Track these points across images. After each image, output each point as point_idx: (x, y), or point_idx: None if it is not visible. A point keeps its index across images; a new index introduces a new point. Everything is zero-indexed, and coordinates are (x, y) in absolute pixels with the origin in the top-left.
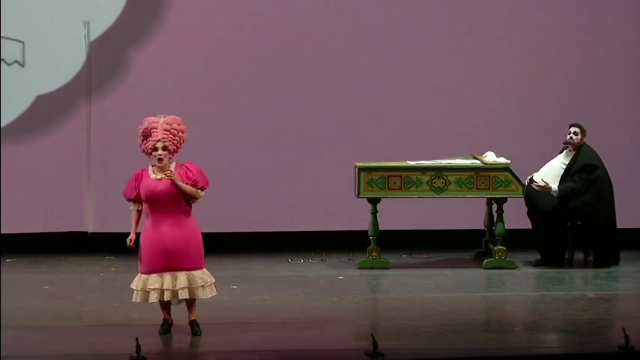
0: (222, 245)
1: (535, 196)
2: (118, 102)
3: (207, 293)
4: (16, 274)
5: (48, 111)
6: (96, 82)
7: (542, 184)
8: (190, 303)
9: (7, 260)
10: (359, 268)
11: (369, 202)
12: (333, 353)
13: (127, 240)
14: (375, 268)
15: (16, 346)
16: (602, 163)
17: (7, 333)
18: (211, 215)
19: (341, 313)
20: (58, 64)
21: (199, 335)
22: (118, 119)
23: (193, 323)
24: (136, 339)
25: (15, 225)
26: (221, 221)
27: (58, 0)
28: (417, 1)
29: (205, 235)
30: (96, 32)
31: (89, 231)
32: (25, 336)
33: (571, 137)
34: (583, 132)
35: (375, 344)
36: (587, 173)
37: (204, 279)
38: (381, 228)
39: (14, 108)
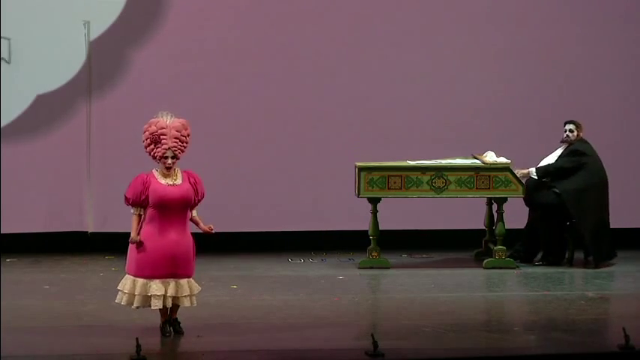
0: (222, 245)
1: (534, 193)
2: (118, 102)
3: (194, 301)
4: (16, 274)
5: (48, 111)
6: (96, 82)
7: (524, 172)
8: (175, 307)
9: (8, 260)
10: (359, 268)
11: (369, 202)
12: (333, 353)
13: (134, 240)
14: (375, 268)
15: (16, 346)
16: (594, 155)
17: (7, 333)
18: (211, 215)
19: (341, 313)
20: (58, 64)
21: (183, 333)
22: (118, 119)
23: (176, 321)
24: (136, 339)
25: (15, 225)
26: (221, 221)
27: (58, 0)
28: (417, 1)
29: (205, 235)
30: (96, 32)
31: (89, 231)
32: (25, 336)
33: (567, 135)
34: (579, 127)
35: (375, 344)
36: (573, 156)
37: (197, 286)
38: (381, 228)
39: (14, 108)
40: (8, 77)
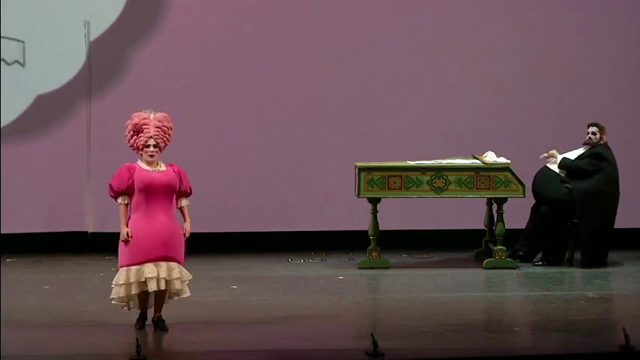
0: (222, 245)
1: (546, 186)
2: (118, 102)
3: (187, 291)
4: (16, 274)
5: (48, 111)
6: (96, 82)
7: (553, 153)
8: (162, 300)
9: (8, 260)
10: (359, 268)
11: (369, 202)
12: (333, 353)
13: (125, 234)
14: (375, 268)
15: (16, 346)
16: (613, 163)
17: (7, 333)
18: (212, 215)
19: (341, 313)
20: (58, 64)
21: (166, 331)
22: (118, 119)
23: (159, 320)
24: (136, 339)
25: (15, 225)
26: (222, 221)
27: (58, 0)
28: (417, 1)
29: (206, 235)
30: (96, 32)
31: (89, 231)
32: (25, 336)
33: (590, 137)
34: (602, 130)
35: (375, 344)
36: (595, 159)
37: (188, 275)
38: (381, 228)
39: (14, 108)
40: (8, 77)
